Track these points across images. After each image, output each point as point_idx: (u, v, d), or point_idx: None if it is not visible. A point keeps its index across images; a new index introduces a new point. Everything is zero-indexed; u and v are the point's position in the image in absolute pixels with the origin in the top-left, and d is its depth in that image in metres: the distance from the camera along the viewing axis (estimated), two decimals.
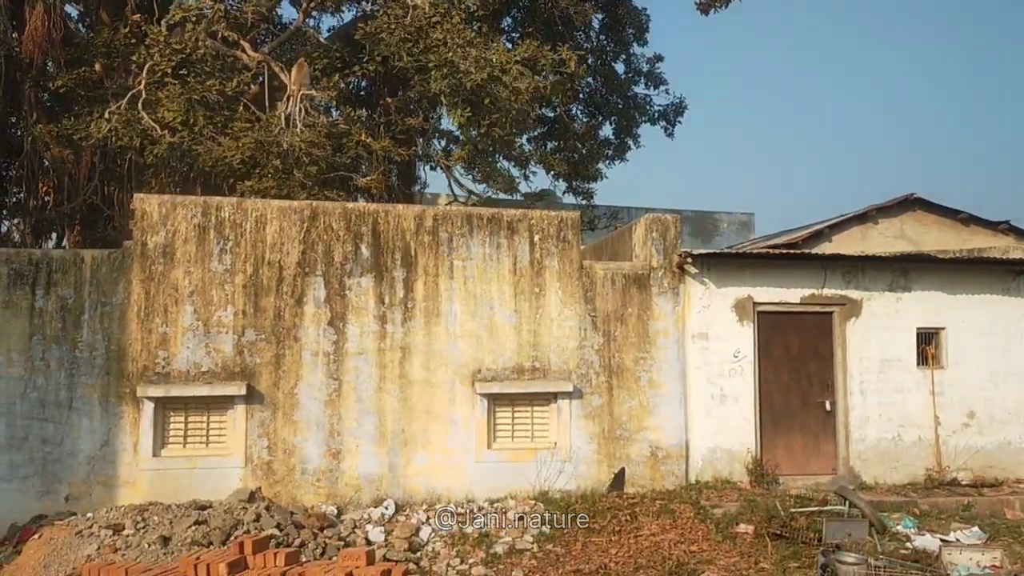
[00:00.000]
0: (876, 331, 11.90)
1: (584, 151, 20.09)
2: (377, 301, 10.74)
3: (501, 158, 18.72)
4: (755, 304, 11.68)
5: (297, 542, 8.96)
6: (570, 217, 11.43)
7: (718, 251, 12.19)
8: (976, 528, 10.05)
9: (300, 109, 14.33)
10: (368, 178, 15.22)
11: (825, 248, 15.45)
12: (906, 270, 12.05)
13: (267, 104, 14.76)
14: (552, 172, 19.75)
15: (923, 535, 9.79)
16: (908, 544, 9.56)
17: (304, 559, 8.31)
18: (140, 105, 13.68)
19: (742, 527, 9.73)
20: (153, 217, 10.29)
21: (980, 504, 10.85)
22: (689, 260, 11.37)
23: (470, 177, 19.65)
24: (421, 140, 18.34)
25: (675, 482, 11.12)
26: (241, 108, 14.52)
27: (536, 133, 20.14)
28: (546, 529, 9.87)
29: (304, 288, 10.57)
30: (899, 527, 9.97)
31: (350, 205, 11.24)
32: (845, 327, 11.87)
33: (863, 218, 19.52)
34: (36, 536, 8.93)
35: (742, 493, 10.81)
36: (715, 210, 25.07)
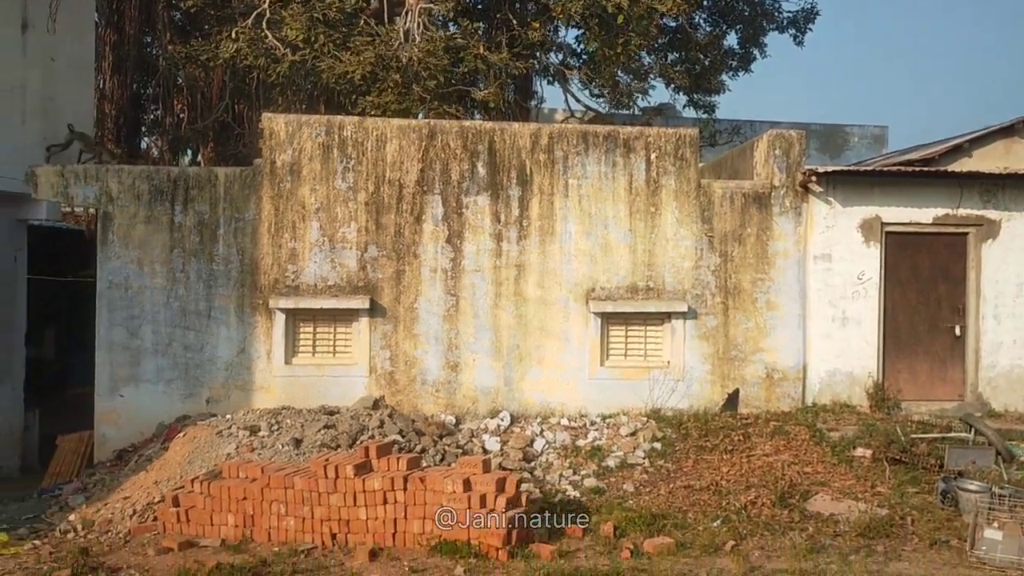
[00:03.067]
0: (1015, 253, 11.23)
1: (706, 62, 19.32)
2: (493, 219, 10.88)
3: (620, 72, 18.30)
4: (883, 224, 11.19)
5: (418, 448, 9.43)
6: (688, 134, 11.16)
7: (845, 168, 11.65)
8: None
9: (418, 23, 14.39)
10: (486, 91, 15.24)
11: (964, 164, 14.51)
12: None
13: (386, 19, 14.87)
14: (672, 85, 19.14)
15: None
16: None
17: (424, 464, 8.75)
18: (265, 24, 14.04)
19: (859, 451, 9.59)
20: (280, 136, 10.67)
21: None
22: (814, 178, 10.95)
23: (587, 91, 19.34)
24: (539, 54, 18.08)
25: (790, 404, 11.00)
26: (361, 24, 14.70)
27: (656, 44, 19.50)
28: (657, 445, 10.01)
29: (423, 206, 10.81)
30: None
31: (467, 123, 11.31)
32: (980, 249, 11.25)
33: (1008, 131, 18.15)
34: (181, 435, 9.73)
35: (861, 417, 10.60)
36: (845, 123, 23.82)
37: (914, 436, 9.88)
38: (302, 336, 10.79)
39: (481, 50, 14.77)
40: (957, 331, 11.36)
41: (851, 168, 11.84)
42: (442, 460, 9.38)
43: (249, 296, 10.63)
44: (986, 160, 15.78)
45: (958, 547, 7.67)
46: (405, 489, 7.80)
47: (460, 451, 9.62)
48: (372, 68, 13.76)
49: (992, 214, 11.24)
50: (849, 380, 11.12)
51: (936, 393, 11.35)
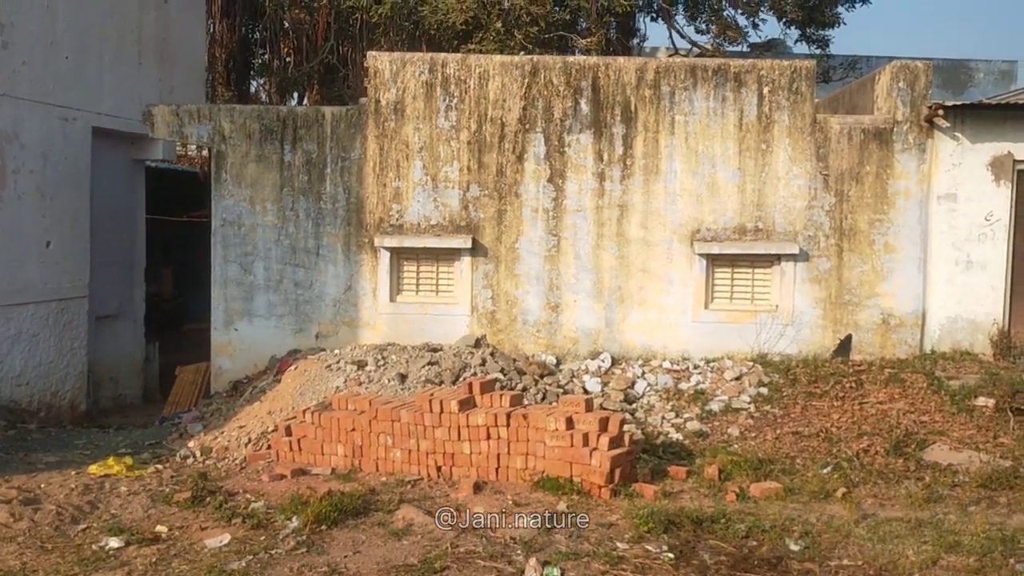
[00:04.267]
0: None
1: None
2: (596, 158, 10.66)
3: (728, 5, 17.57)
4: (1015, 162, 10.45)
5: (519, 387, 9.47)
6: (804, 67, 10.62)
7: (975, 102, 10.90)
8: None
9: None
10: (587, 40, 14.87)
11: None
12: None
13: None
14: (784, 19, 18.26)
15: None
16: None
17: (526, 402, 8.78)
18: None
19: (981, 400, 9.11)
20: (385, 74, 10.67)
21: None
22: (940, 112, 10.27)
23: (693, 28, 18.67)
24: None
25: (907, 352, 10.52)
26: None
27: None
28: (764, 391, 9.77)
29: (525, 145, 10.68)
30: None
31: (570, 59, 11.06)
32: None
33: None
34: (292, 368, 10.04)
35: (983, 366, 10.05)
36: (970, 58, 22.30)
37: None
38: (406, 275, 10.91)
39: None
40: None
41: (983, 102, 11.05)
42: (543, 399, 9.39)
43: (355, 235, 10.79)
44: None
45: None
46: (508, 425, 7.85)
47: (561, 391, 9.61)
48: (474, 13, 13.58)
49: None
50: (972, 327, 10.53)
51: None
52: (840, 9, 18.52)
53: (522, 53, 13.20)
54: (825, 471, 7.93)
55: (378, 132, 10.69)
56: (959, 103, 10.54)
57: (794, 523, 6.75)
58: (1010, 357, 10.27)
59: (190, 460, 8.68)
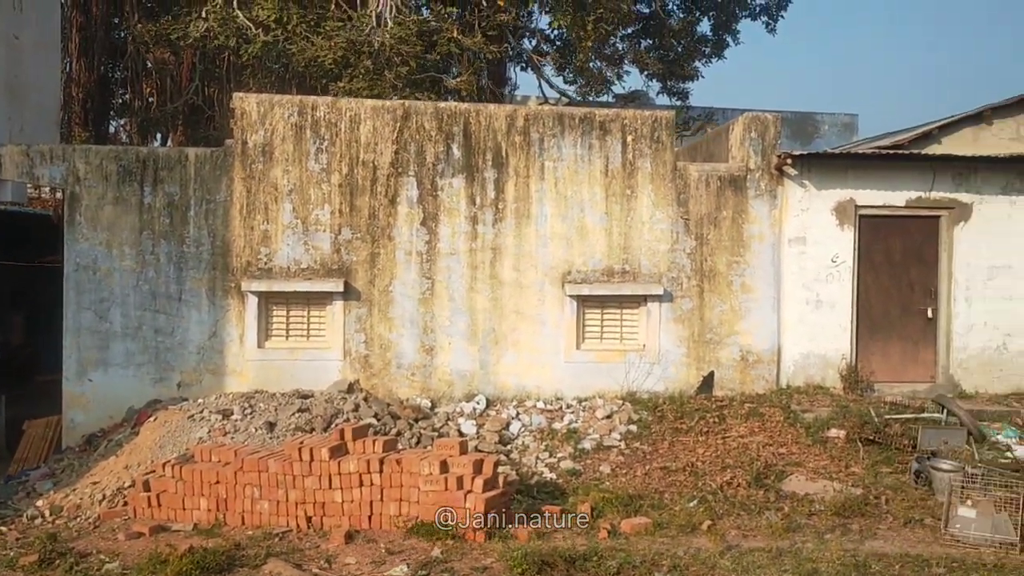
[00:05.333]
0: (986, 236, 11.34)
1: (680, 49, 19.39)
2: (468, 202, 10.79)
3: (594, 57, 18.27)
4: (857, 207, 11.26)
5: (394, 431, 9.35)
6: (664, 117, 11.13)
7: (820, 151, 11.70)
8: None
9: (391, 7, 14.23)
10: (459, 79, 15.11)
11: (934, 150, 14.65)
12: (1022, 172, 11.36)
13: (358, 3, 14.68)
14: (646, 72, 19.19)
15: None
16: (1008, 454, 9.32)
17: (400, 447, 8.66)
18: (235, 3, 13.81)
19: (833, 432, 9.65)
20: (252, 116, 10.49)
21: None
22: (789, 161, 10.97)
23: (561, 77, 19.30)
24: (511, 39, 18.01)
25: (765, 386, 11.05)
26: (333, 6, 14.51)
27: (630, 31, 19.49)
28: (633, 428, 10.02)
29: (397, 188, 10.70)
30: (999, 437, 9.70)
31: (442, 105, 11.18)
32: (953, 232, 11.35)
33: (976, 119, 18.31)
34: (152, 419, 9.56)
35: (834, 399, 10.67)
36: (816, 111, 23.97)
37: (887, 417, 9.97)
38: (275, 319, 10.64)
39: (455, 33, 14.65)
40: (929, 313, 11.47)
41: (826, 152, 11.88)
42: (418, 443, 9.30)
43: (221, 279, 10.45)
44: (955, 146, 15.86)
45: (932, 525, 7.74)
46: (381, 471, 7.73)
47: (436, 434, 9.55)
48: (344, 53, 13.59)
49: (964, 197, 11.35)
50: (823, 362, 11.18)
51: (909, 375, 11.45)
52: (697, 64, 19.61)
53: (394, 95, 13.29)
54: (692, 504, 8.18)
55: (245, 174, 10.46)
56: (805, 152, 11.28)
57: (663, 557, 6.91)
58: (858, 390, 10.94)
59: (38, 520, 8.11)
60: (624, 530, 7.60)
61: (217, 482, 7.91)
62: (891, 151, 12.06)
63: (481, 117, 10.82)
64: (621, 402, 10.59)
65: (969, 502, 7.65)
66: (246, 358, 10.45)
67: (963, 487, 7.84)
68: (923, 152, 12.26)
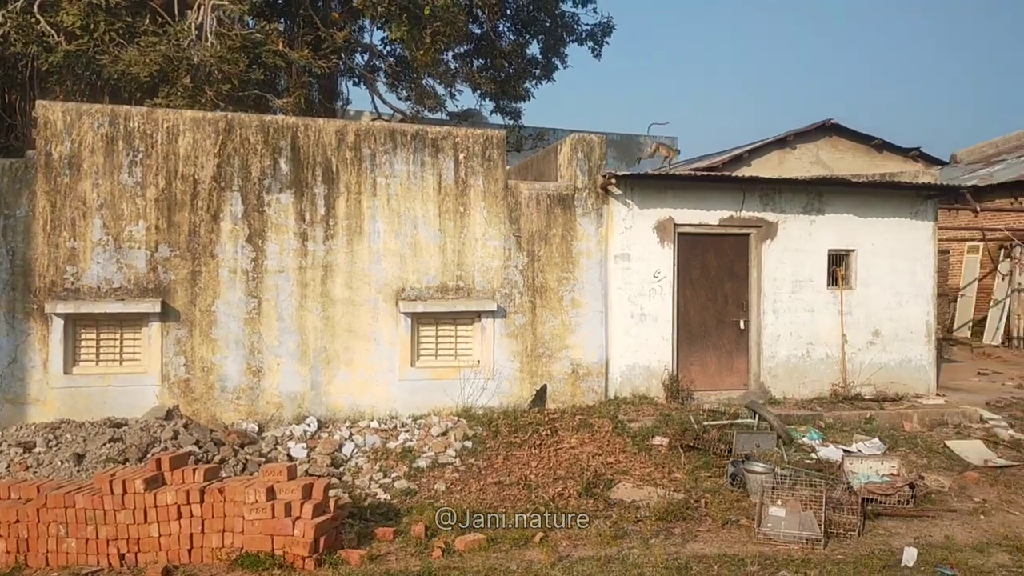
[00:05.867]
0: (790, 252, 12.23)
1: (511, 70, 19.80)
2: (297, 218, 10.50)
3: (427, 75, 18.31)
4: (676, 225, 11.85)
5: (217, 459, 8.90)
6: (495, 136, 11.30)
7: (641, 173, 12.24)
8: (876, 440, 10.60)
9: (212, 19, 13.64)
10: (285, 100, 14.68)
11: (744, 171, 15.72)
12: (820, 193, 12.35)
13: (176, 12, 14.00)
14: (478, 91, 19.45)
15: (827, 446, 10.27)
16: (813, 455, 10.03)
17: (224, 475, 8.27)
18: (36, 8, 12.81)
19: (657, 440, 10.06)
20: (57, 126, 9.75)
21: (881, 417, 11.41)
22: (613, 181, 11.41)
23: (394, 94, 19.23)
24: (343, 54, 17.77)
25: (595, 398, 11.39)
26: (147, 17, 13.74)
27: (463, 50, 19.73)
28: (468, 444, 10.03)
29: (220, 203, 10.25)
30: (805, 439, 10.44)
31: (267, 118, 10.83)
32: (761, 248, 12.16)
33: (781, 143, 19.90)
34: None
35: (658, 408, 11.15)
36: (639, 133, 25.13)
37: (706, 423, 10.51)
38: (84, 343, 9.91)
39: (281, 47, 14.24)
40: (742, 325, 12.22)
41: (646, 173, 12.43)
42: (243, 470, 8.90)
43: (21, 300, 9.62)
44: (763, 168, 17.14)
45: (747, 525, 8.17)
46: (202, 502, 7.31)
47: (263, 460, 9.18)
48: (160, 67, 12.86)
49: (770, 216, 12.19)
50: (647, 373, 11.67)
51: (725, 383, 12.15)
52: (528, 85, 20.08)
53: (216, 111, 12.73)
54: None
55: (49, 188, 9.70)
56: (628, 173, 11.76)
57: (496, 572, 6.93)
58: (679, 399, 11.49)
59: None
60: (459, 548, 7.56)
61: (17, 521, 7.22)
62: (705, 173, 12.78)
63: (310, 131, 10.57)
64: (456, 418, 10.59)
65: (779, 502, 8.15)
66: (51, 385, 9.66)
67: (774, 488, 8.36)
68: (733, 174, 13.07)
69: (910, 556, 7.18)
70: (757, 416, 10.57)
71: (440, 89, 18.46)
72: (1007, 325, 19.42)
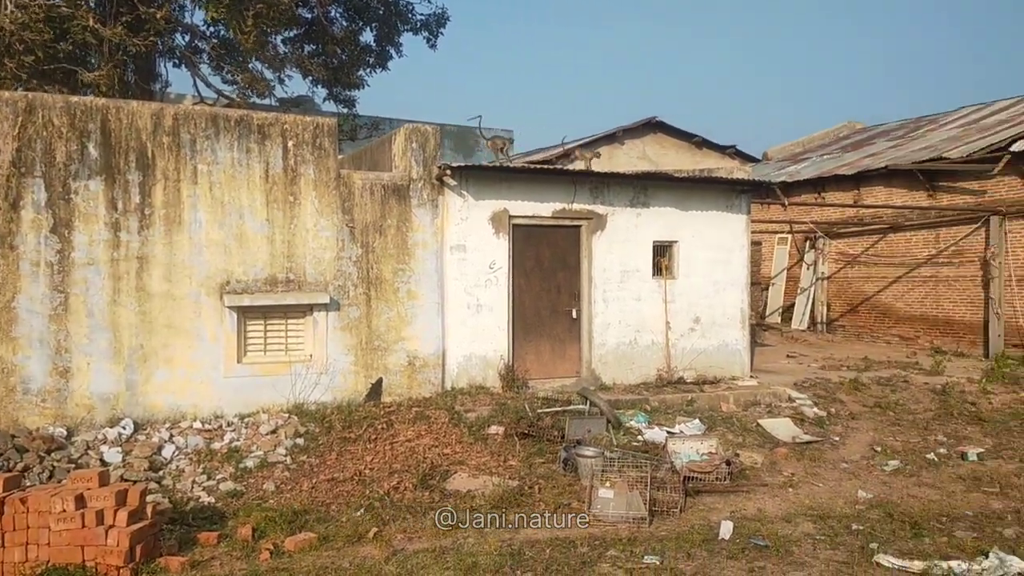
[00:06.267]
0: (618, 244, 12.66)
1: (344, 57, 19.36)
2: (109, 207, 9.80)
3: (254, 59, 17.60)
4: (511, 217, 11.98)
5: (20, 466, 8.20)
6: (326, 123, 10.99)
7: (476, 164, 12.29)
8: (697, 421, 11.16)
9: None
10: (97, 73, 13.67)
11: (576, 166, 16.09)
12: (646, 187, 12.86)
13: None
14: (310, 77, 18.90)
15: (653, 429, 10.71)
16: (640, 437, 10.44)
17: (28, 483, 7.62)
18: None
19: (493, 429, 10.15)
20: None
21: (701, 399, 12.03)
22: (448, 172, 11.39)
23: (219, 77, 18.36)
24: (162, 33, 16.75)
25: (432, 390, 11.35)
26: None
27: (292, 35, 19.08)
28: (300, 441, 9.74)
29: (20, 190, 9.41)
30: (633, 422, 10.84)
31: (74, 99, 10.02)
32: (591, 240, 12.51)
33: (611, 139, 20.58)
34: None
35: (494, 397, 11.25)
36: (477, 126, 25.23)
37: (540, 411, 10.71)
38: None
39: (91, 22, 13.23)
40: (574, 314, 12.54)
41: (481, 164, 12.50)
42: (50, 477, 8.24)
43: None
44: (593, 162, 17.59)
45: (578, 508, 8.38)
46: (2, 513, 6.70)
47: (73, 466, 8.53)
48: None
49: (600, 209, 12.56)
50: (483, 363, 11.74)
51: (558, 370, 12.43)
52: (362, 73, 19.72)
53: (18, 87, 11.70)
54: (358, 514, 8.11)
55: None
56: (463, 165, 11.77)
57: (327, 571, 6.77)
58: (515, 388, 11.64)
59: None
60: (288, 548, 7.32)
61: None
62: (538, 166, 13.00)
63: (122, 114, 9.88)
64: (287, 415, 10.25)
65: (608, 484, 8.43)
66: None
67: (603, 471, 8.64)
68: (565, 168, 13.36)
69: (727, 529, 7.60)
70: (588, 402, 10.88)
71: (269, 74, 17.79)
72: (812, 311, 21.01)
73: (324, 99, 20.24)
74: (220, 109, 11.33)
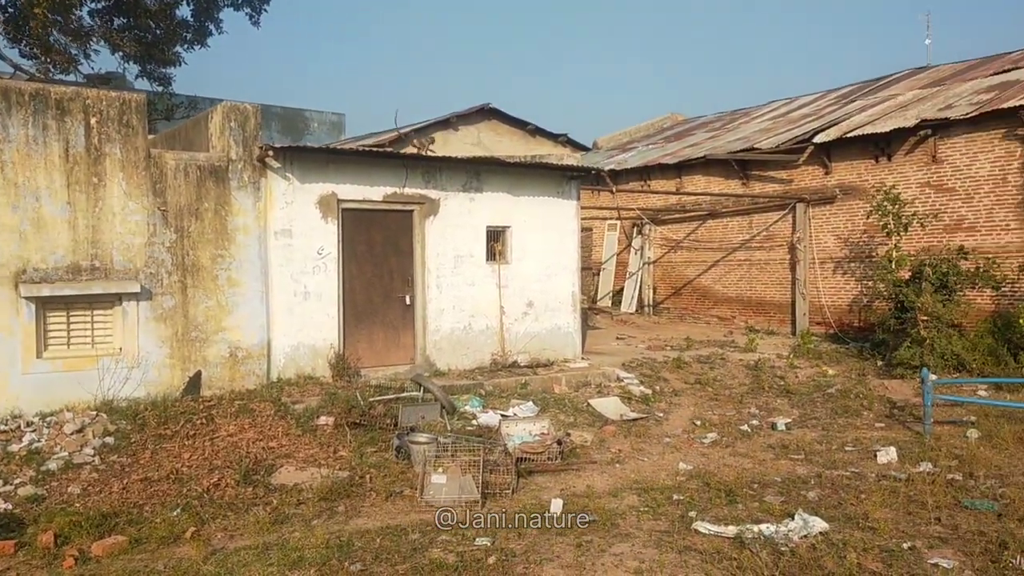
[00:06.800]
0: (452, 229, 12.61)
1: (159, 32, 18.19)
2: None
3: (56, 31, 16.22)
4: (339, 201, 11.65)
5: None
6: (134, 99, 10.24)
7: (300, 145, 11.85)
8: (531, 403, 11.29)
9: None
10: None
11: (410, 151, 15.90)
12: (478, 172, 12.86)
13: None
14: (120, 52, 17.63)
15: (487, 412, 10.74)
16: (474, 421, 10.44)
17: None
18: None
19: (322, 419, 9.84)
20: None
21: (535, 382, 12.20)
22: (270, 153, 10.91)
23: (16, 50, 16.80)
24: None
25: (256, 382, 10.86)
26: None
27: (100, 6, 17.72)
28: (111, 440, 9.07)
29: None
30: (467, 407, 10.83)
31: None
32: (424, 225, 12.38)
33: (445, 124, 20.50)
34: None
35: (324, 387, 10.92)
36: (306, 108, 24.51)
37: (372, 399, 10.49)
38: None
39: None
40: (408, 300, 12.38)
41: (306, 145, 12.08)
42: None
43: None
44: (429, 148, 17.44)
45: (411, 495, 8.26)
46: None
47: None
48: None
49: (433, 193, 12.44)
50: (312, 353, 11.37)
51: (392, 358, 12.24)
52: (179, 49, 18.61)
53: None
54: (175, 514, 7.63)
55: None
56: (287, 145, 11.33)
57: (139, 574, 6.31)
58: (346, 377, 11.35)
59: None
60: (96, 553, 6.78)
61: None
62: (367, 148, 12.72)
63: None
64: (96, 413, 9.51)
65: (440, 469, 8.35)
66: None
67: (437, 456, 8.55)
68: (396, 151, 13.14)
69: (557, 507, 7.71)
70: (422, 389, 10.77)
71: (72, 48, 16.42)
72: (640, 294, 21.85)
73: (137, 76, 18.99)
74: (12, 82, 10.33)
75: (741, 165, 19.38)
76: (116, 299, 10.00)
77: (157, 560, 6.63)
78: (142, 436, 9.18)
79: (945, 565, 6.27)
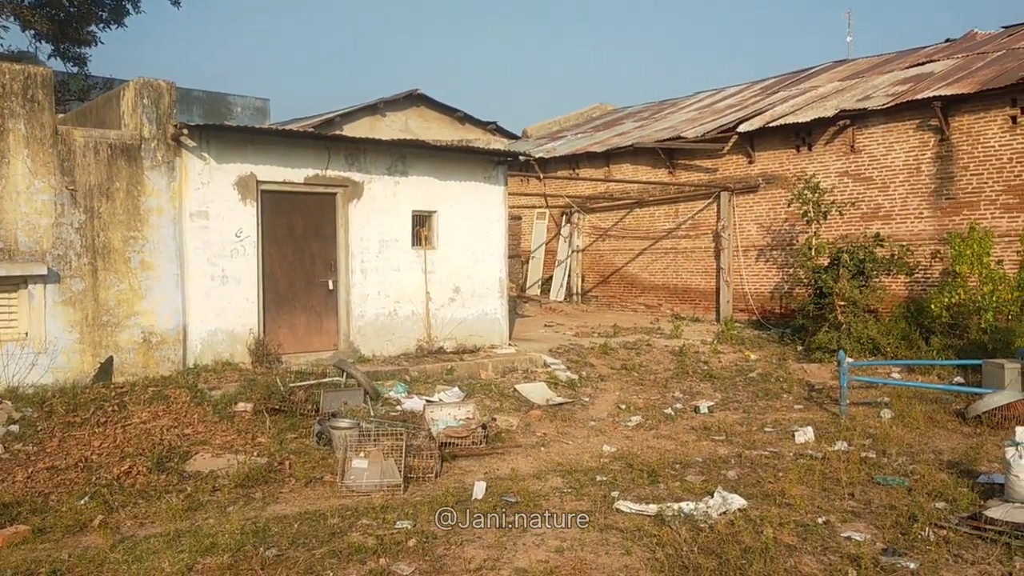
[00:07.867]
0: (376, 213, 12.40)
1: (73, 9, 17.46)
2: None
3: None
4: (259, 183, 11.34)
5: None
6: (39, 72, 9.79)
7: (217, 124, 11.49)
8: (457, 388, 11.21)
9: None
10: None
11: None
12: (404, 156, 12.68)
13: None
14: (32, 30, 16.87)
15: (412, 398, 10.61)
16: (399, 407, 10.30)
17: None
18: None
19: (241, 406, 9.58)
20: None
21: (461, 368, 12.11)
22: (186, 132, 10.55)
23: None
24: None
25: (171, 368, 10.52)
26: None
27: None
28: (15, 428, 8.66)
29: None
30: (392, 393, 10.68)
31: None
32: (348, 208, 12.16)
33: (372, 109, 20.24)
34: None
35: (243, 374, 10.63)
36: (228, 92, 23.84)
37: (293, 385, 10.26)
38: None
39: None
40: (331, 285, 12.14)
41: (223, 124, 11.72)
42: None
43: None
44: (355, 133, 17.19)
45: (331, 481, 8.10)
46: None
47: None
48: None
49: (356, 176, 12.22)
50: (231, 338, 11.07)
51: (314, 344, 11.99)
52: (94, 28, 17.92)
53: None
54: (82, 502, 7.32)
55: None
56: (202, 124, 10.98)
57: (41, 564, 6.01)
58: (266, 363, 11.07)
59: None
60: None
61: None
62: (286, 128, 12.42)
63: None
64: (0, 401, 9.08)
65: (362, 454, 8.20)
66: None
67: (359, 441, 8.39)
68: (318, 132, 12.87)
69: (480, 489, 7.64)
70: (345, 374, 10.58)
71: None
72: (568, 282, 21.95)
73: (50, 56, 18.21)
74: None
75: (668, 154, 19.60)
76: (21, 282, 9.55)
77: (62, 549, 6.34)
78: (49, 424, 8.79)
79: (857, 538, 6.42)
